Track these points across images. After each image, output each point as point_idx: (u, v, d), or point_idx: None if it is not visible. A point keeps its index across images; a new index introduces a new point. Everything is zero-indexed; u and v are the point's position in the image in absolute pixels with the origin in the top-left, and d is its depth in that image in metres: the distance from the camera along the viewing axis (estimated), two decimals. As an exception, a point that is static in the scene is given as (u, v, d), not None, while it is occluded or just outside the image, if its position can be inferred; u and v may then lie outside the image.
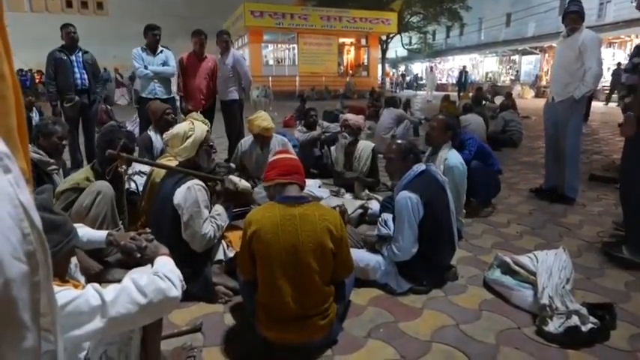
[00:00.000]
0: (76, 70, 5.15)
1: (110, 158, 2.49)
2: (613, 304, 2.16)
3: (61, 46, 5.17)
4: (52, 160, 3.00)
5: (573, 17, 3.90)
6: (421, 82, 31.10)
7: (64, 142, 3.11)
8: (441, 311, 2.29)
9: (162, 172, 2.58)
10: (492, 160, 4.00)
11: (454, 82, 30.25)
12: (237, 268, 2.18)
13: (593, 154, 6.67)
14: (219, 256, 2.47)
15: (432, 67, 24.09)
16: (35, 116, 7.32)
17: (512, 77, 25.98)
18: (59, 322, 0.73)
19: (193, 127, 2.39)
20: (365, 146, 3.92)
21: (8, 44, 0.72)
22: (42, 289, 0.64)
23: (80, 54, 5.21)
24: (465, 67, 21.36)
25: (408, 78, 33.76)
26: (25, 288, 0.60)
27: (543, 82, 20.76)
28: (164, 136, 2.49)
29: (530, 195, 4.47)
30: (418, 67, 35.49)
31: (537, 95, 20.55)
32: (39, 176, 2.91)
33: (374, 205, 3.62)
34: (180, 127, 2.39)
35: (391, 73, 34.93)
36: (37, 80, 20.69)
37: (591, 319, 2.01)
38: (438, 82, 27.97)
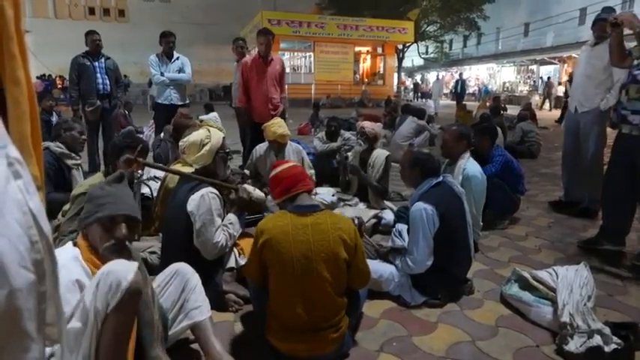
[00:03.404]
0: (99, 75, 5.25)
1: (127, 163, 2.51)
2: (638, 324, 2.07)
3: (85, 52, 5.28)
4: (72, 154, 3.14)
5: (602, 25, 3.68)
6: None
7: (83, 136, 3.31)
8: (456, 326, 2.23)
9: (176, 177, 2.58)
10: (518, 179, 3.86)
11: (470, 92, 30.00)
12: (245, 274, 2.17)
13: (614, 167, 6.50)
14: (231, 263, 2.45)
15: (438, 76, 22.51)
16: (55, 120, 7.48)
17: (530, 88, 25.64)
18: (66, 332, 0.72)
19: (210, 134, 2.39)
20: (379, 154, 3.89)
21: (25, 50, 0.71)
22: (48, 299, 0.62)
23: (103, 60, 5.32)
24: (461, 74, 19.73)
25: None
26: (31, 298, 0.58)
27: (558, 92, 19.51)
28: (180, 143, 2.50)
29: (549, 207, 4.37)
30: (434, 77, 35.35)
31: (556, 106, 18.83)
32: (60, 169, 3.11)
33: (388, 215, 3.58)
34: (196, 135, 2.39)
35: (413, 82, 34.27)
36: (58, 85, 21.22)
37: (614, 339, 1.93)
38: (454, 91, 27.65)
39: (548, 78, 22.39)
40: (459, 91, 17.42)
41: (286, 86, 5.26)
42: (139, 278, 1.37)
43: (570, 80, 14.21)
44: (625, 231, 3.14)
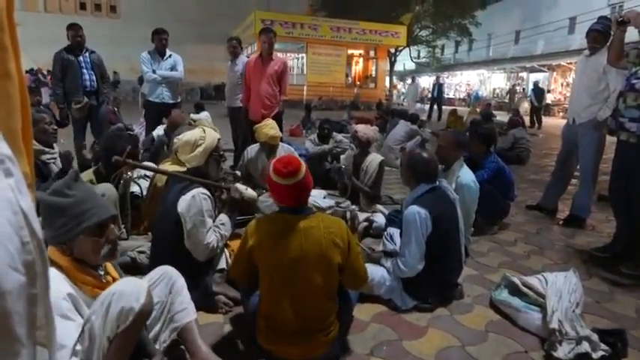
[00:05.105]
0: (85, 71, 5.00)
1: (116, 164, 2.47)
2: (624, 331, 2.10)
3: (68, 46, 5.01)
4: (46, 149, 3.02)
5: (594, 36, 3.70)
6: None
7: (52, 126, 3.16)
8: (447, 331, 2.23)
9: (165, 176, 2.54)
10: (509, 186, 3.89)
11: (461, 97, 30.17)
12: (230, 274, 2.15)
13: (601, 175, 6.58)
14: (222, 264, 2.42)
15: (413, 78, 20.94)
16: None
17: (519, 94, 25.92)
18: (55, 336, 0.69)
19: (204, 135, 2.35)
20: (373, 159, 3.89)
21: (17, 42, 0.69)
22: (39, 302, 0.60)
23: (87, 54, 5.05)
24: (439, 78, 18.83)
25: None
26: (21, 301, 0.56)
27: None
28: (174, 141, 2.46)
29: (538, 213, 4.41)
30: (425, 81, 35.53)
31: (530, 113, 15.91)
32: (37, 167, 2.94)
33: (379, 219, 3.58)
34: (191, 135, 2.35)
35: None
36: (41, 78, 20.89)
37: (602, 346, 1.95)
38: (445, 95, 27.71)
39: (513, 85, 23.10)
40: (436, 96, 16.90)
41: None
42: (150, 298, 1.42)
43: (535, 89, 14.69)
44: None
